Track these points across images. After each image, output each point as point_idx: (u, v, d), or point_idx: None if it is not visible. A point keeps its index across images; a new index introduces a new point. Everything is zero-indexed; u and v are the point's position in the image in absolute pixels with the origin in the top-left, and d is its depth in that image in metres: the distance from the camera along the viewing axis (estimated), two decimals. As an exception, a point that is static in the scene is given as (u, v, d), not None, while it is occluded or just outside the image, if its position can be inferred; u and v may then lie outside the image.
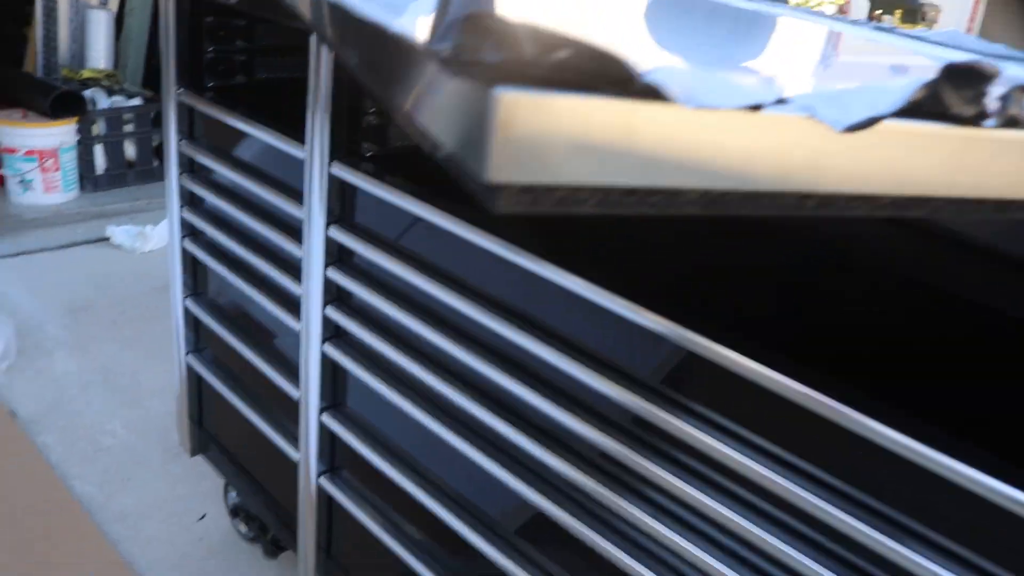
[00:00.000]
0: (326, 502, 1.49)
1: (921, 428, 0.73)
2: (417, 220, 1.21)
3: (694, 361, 0.88)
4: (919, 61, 1.11)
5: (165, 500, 2.22)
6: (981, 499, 0.69)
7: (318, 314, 1.38)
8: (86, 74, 4.62)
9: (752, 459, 0.85)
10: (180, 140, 1.64)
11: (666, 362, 0.96)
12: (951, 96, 0.42)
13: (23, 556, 1.96)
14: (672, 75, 0.34)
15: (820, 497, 0.80)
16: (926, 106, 0.42)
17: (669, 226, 0.72)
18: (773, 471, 0.83)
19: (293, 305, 1.45)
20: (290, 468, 1.52)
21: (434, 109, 0.36)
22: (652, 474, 0.93)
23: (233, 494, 2.05)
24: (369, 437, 1.37)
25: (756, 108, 0.37)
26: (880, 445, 0.75)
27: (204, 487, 2.22)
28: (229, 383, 1.70)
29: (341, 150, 1.29)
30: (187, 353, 1.84)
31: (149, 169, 4.52)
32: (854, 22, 1.52)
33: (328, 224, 1.33)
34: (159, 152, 4.59)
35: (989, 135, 0.46)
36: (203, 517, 2.16)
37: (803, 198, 0.42)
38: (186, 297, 1.78)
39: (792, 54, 1.07)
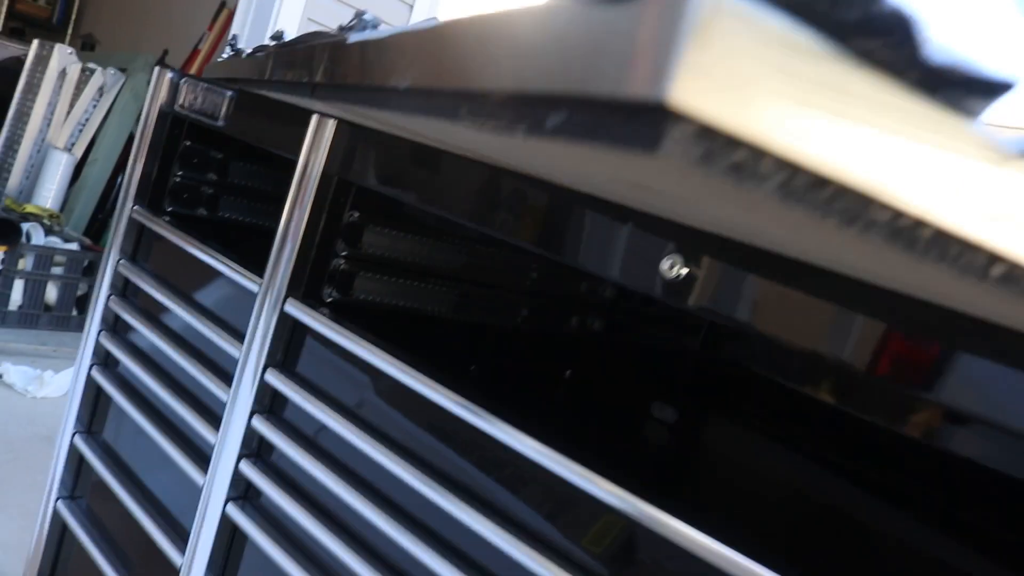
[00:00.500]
0: None
1: None
2: (369, 379, 1.11)
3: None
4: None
5: None
6: None
7: (229, 468, 1.22)
8: (28, 208, 4.52)
9: None
10: (120, 260, 1.53)
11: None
12: None
13: None
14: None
15: None
16: None
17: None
18: None
19: (202, 456, 1.29)
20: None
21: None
22: None
23: None
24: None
25: None
26: None
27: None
28: (99, 539, 1.48)
29: (300, 289, 1.20)
30: (58, 499, 1.62)
31: (66, 317, 4.33)
32: None
33: (266, 367, 1.20)
34: (81, 303, 4.41)
35: None
36: None
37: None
38: (77, 433, 1.59)
39: None
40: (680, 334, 1.84)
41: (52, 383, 3.58)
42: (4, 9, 8.46)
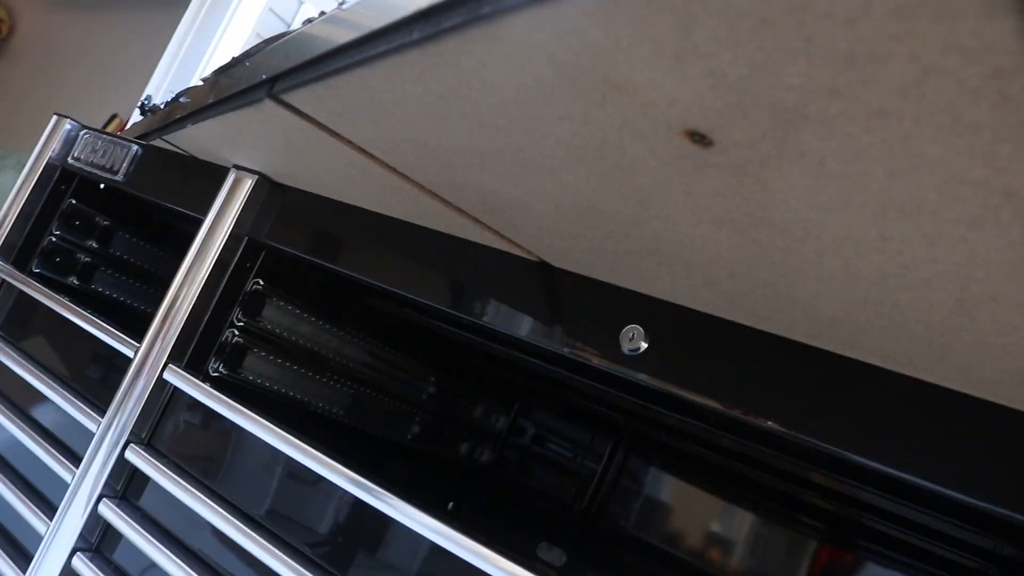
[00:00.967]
0: None
1: None
2: (249, 463, 0.98)
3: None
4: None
5: None
6: None
7: (64, 553, 1.04)
8: None
9: None
10: (-35, 320, 1.35)
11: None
12: None
13: None
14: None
15: None
16: None
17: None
18: None
19: (25, 554, 1.10)
20: None
21: None
22: None
23: None
24: None
25: None
26: None
27: None
28: None
29: (183, 359, 1.08)
30: None
31: None
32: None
33: (127, 443, 1.06)
34: None
35: None
36: None
37: None
38: None
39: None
40: (570, 482, 1.76)
41: None
42: None
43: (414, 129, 0.65)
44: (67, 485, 1.09)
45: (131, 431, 1.07)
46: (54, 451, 1.13)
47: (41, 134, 1.36)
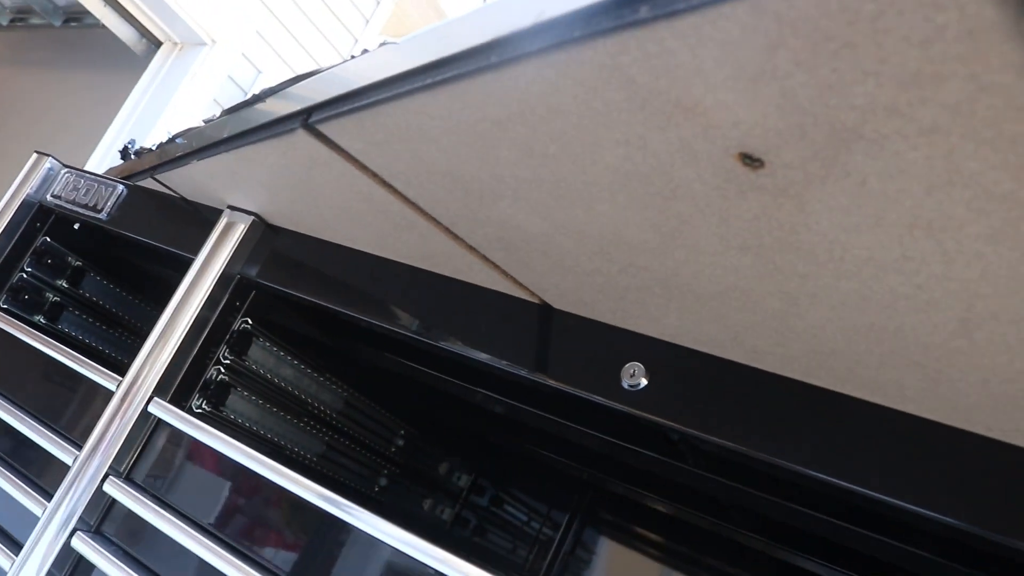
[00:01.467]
0: None
1: None
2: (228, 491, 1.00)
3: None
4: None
5: None
6: None
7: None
8: None
9: None
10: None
11: None
12: None
13: None
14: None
15: None
16: None
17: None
18: None
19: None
20: None
21: None
22: None
23: None
24: None
25: None
26: None
27: None
28: None
29: (167, 393, 1.09)
30: None
31: None
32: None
33: (106, 476, 1.06)
34: None
35: None
36: None
37: None
38: None
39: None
40: (524, 547, 1.77)
41: None
42: None
43: (455, 159, 0.70)
44: (36, 519, 1.07)
45: (110, 464, 1.06)
46: (22, 484, 1.11)
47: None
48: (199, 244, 1.15)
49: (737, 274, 0.66)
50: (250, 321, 1.15)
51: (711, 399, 0.81)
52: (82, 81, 4.48)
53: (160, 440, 1.08)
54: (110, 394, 1.11)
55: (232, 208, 1.15)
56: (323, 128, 0.78)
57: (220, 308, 1.13)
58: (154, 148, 1.28)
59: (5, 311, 1.36)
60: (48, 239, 1.39)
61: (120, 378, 1.11)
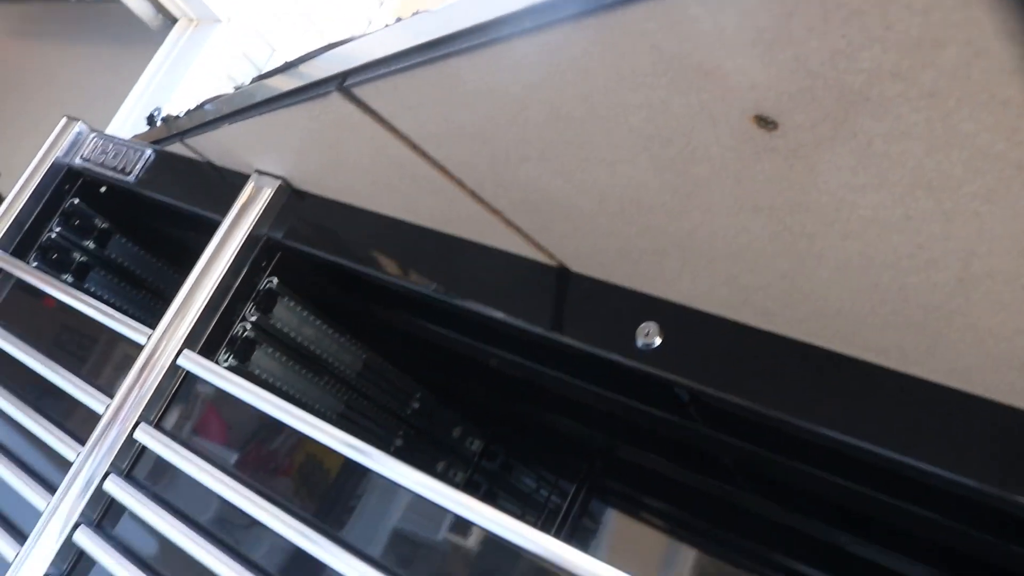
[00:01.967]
0: None
1: None
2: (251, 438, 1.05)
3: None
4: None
5: None
6: None
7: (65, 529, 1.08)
8: None
9: None
10: (-41, 309, 1.38)
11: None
12: None
13: None
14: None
15: None
16: None
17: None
18: None
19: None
20: None
21: None
22: None
23: None
24: None
25: None
26: None
27: None
28: None
29: (196, 346, 1.14)
30: None
31: None
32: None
33: (136, 424, 1.11)
34: None
35: None
36: None
37: None
38: None
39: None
40: (533, 513, 1.83)
41: None
42: None
43: (484, 122, 0.75)
44: (69, 464, 1.13)
45: (140, 413, 1.11)
46: (57, 431, 1.17)
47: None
48: (226, 207, 1.20)
49: (749, 235, 0.70)
50: (275, 281, 1.20)
51: (722, 359, 0.86)
52: (98, 55, 4.52)
53: (188, 391, 1.13)
54: (138, 348, 1.16)
55: (259, 172, 1.20)
56: (357, 91, 0.82)
57: (247, 268, 1.18)
58: (182, 115, 1.33)
59: (35, 268, 1.41)
60: (76, 200, 1.44)
61: (150, 331, 1.16)
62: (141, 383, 1.13)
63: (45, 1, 5.16)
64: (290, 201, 1.19)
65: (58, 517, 1.10)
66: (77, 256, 1.48)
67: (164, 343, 1.14)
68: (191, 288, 1.16)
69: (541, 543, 0.83)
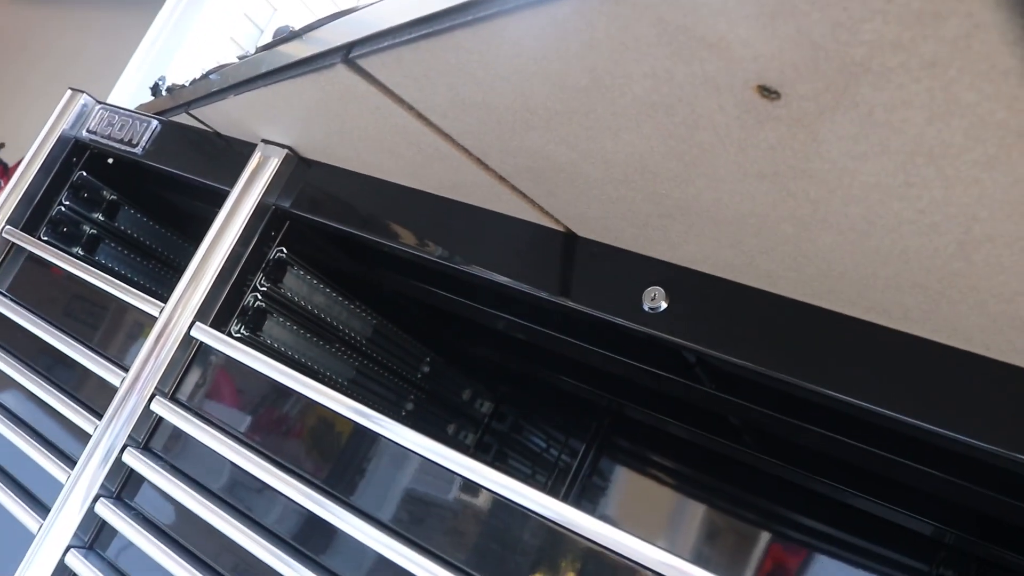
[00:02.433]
0: None
1: None
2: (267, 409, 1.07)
3: None
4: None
5: None
6: None
7: (87, 499, 1.10)
8: None
9: None
10: (-29, 283, 1.40)
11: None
12: None
13: None
14: None
15: None
16: None
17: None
18: None
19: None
20: None
21: None
22: None
23: None
24: None
25: None
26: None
27: None
28: None
29: (208, 318, 1.16)
30: None
31: None
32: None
33: (152, 396, 1.13)
34: None
35: None
36: None
37: None
38: None
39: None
40: (544, 472, 1.86)
41: None
42: None
43: (490, 92, 0.75)
44: (88, 437, 1.15)
45: (156, 385, 1.14)
46: (75, 405, 1.19)
47: None
48: (234, 177, 1.21)
49: (754, 201, 0.71)
50: (285, 250, 1.22)
51: (728, 321, 0.88)
52: (99, 19, 4.50)
53: (202, 362, 1.15)
54: (152, 320, 1.18)
55: (266, 142, 1.21)
56: (363, 63, 0.83)
57: (256, 238, 1.19)
58: (187, 84, 1.33)
59: (46, 242, 1.43)
60: (84, 173, 1.45)
61: (163, 304, 1.18)
62: (156, 355, 1.15)
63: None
64: (297, 170, 1.20)
65: (79, 489, 1.13)
66: (87, 229, 1.49)
67: (177, 315, 1.16)
68: (202, 259, 1.17)
69: (546, 504, 0.85)
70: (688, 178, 0.73)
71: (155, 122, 1.36)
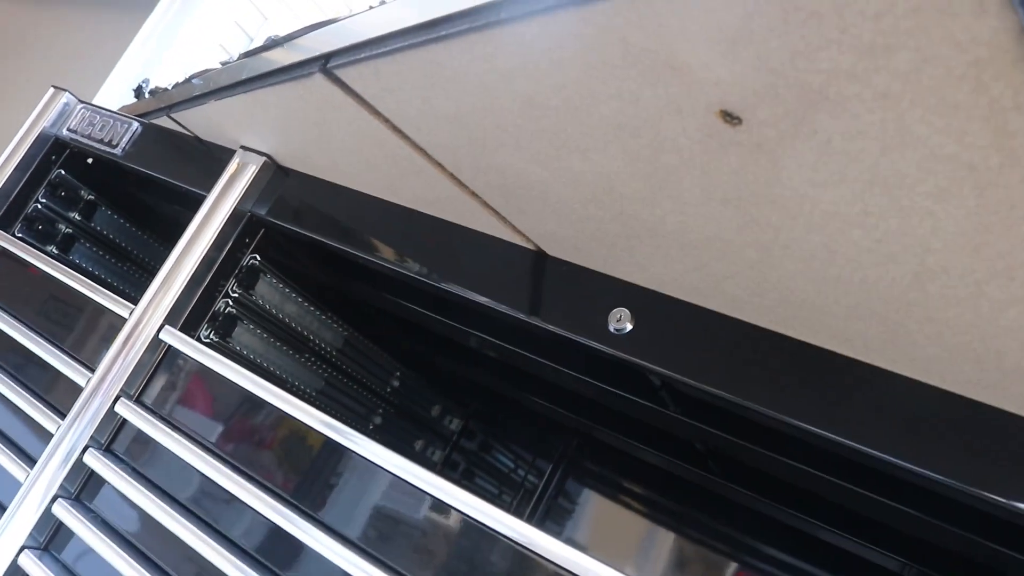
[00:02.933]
0: None
1: None
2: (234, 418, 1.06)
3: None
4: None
5: None
6: None
7: (44, 500, 1.09)
8: None
9: None
10: (-58, 277, 1.39)
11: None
12: None
13: None
14: None
15: None
16: None
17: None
18: None
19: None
20: None
21: None
22: None
23: None
24: None
25: None
26: None
27: None
28: None
29: (178, 322, 1.15)
30: None
31: None
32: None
33: (117, 398, 1.12)
34: None
35: None
36: None
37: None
38: None
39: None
40: (511, 492, 1.86)
41: None
42: None
43: (462, 107, 0.76)
44: (50, 436, 1.14)
45: (122, 387, 1.13)
46: (38, 404, 1.18)
47: None
48: (211, 182, 1.21)
49: (718, 225, 0.72)
50: (258, 258, 1.22)
51: (692, 345, 0.88)
52: (88, 21, 4.50)
53: (169, 366, 1.14)
54: (122, 321, 1.17)
55: (245, 148, 1.21)
56: (340, 73, 0.84)
57: (230, 244, 1.19)
58: (170, 88, 1.33)
59: (20, 239, 1.42)
60: (63, 172, 1.45)
61: (133, 306, 1.18)
62: (123, 356, 1.15)
63: (35, -33, 5.12)
64: (275, 178, 1.21)
65: (37, 489, 1.12)
66: (63, 227, 1.49)
67: (147, 317, 1.16)
68: (174, 263, 1.17)
69: (510, 524, 0.85)
70: (654, 200, 0.74)
71: (136, 124, 1.36)
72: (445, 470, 1.71)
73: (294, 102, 0.97)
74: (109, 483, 1.09)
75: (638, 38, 0.54)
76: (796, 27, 0.46)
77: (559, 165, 0.76)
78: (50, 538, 1.11)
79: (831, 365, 0.83)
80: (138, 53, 3.50)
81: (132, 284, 1.59)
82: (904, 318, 0.71)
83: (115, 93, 3.40)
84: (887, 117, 0.49)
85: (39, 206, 1.44)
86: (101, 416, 1.12)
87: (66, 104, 1.45)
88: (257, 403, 1.06)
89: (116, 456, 1.12)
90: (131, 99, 1.51)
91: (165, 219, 1.60)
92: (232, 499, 1.00)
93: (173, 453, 1.06)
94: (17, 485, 1.13)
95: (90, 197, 1.51)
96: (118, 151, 1.35)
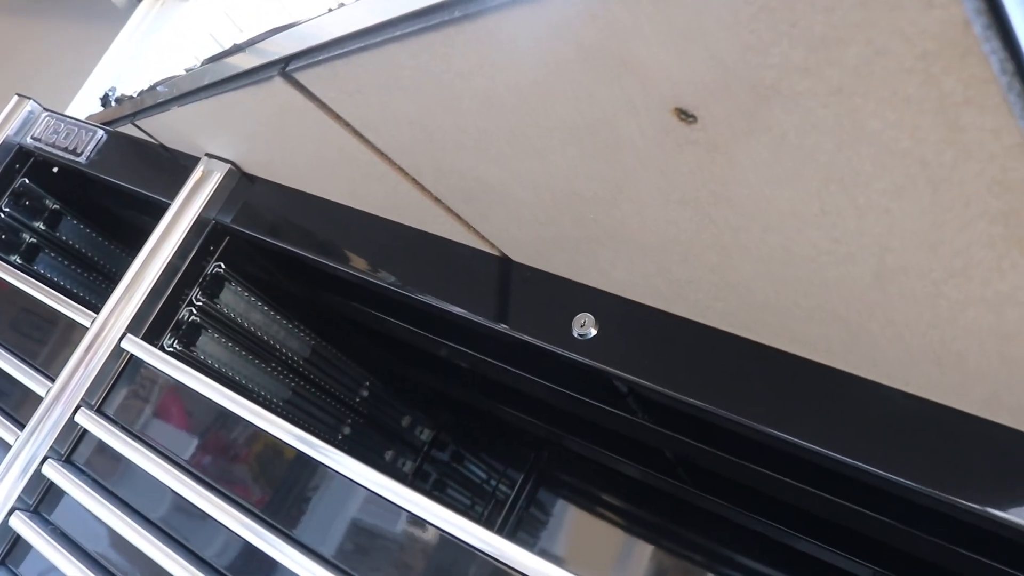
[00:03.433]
0: None
1: None
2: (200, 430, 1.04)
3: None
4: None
5: None
6: None
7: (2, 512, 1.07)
8: None
9: None
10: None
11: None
12: None
13: None
14: None
15: None
16: None
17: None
18: None
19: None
20: None
21: None
22: None
23: None
24: None
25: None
26: None
27: None
28: None
29: (141, 330, 1.13)
30: None
31: None
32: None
33: (78, 408, 1.10)
34: None
35: None
36: None
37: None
38: None
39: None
40: (482, 503, 1.84)
41: None
42: None
43: (422, 109, 0.75)
44: (8, 447, 1.12)
45: (82, 397, 1.10)
46: (-3, 412, 1.16)
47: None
48: (176, 190, 1.19)
49: (678, 227, 0.71)
50: (223, 266, 1.20)
51: (656, 351, 0.87)
52: (62, 31, 4.46)
53: (132, 376, 1.12)
54: (83, 331, 1.15)
55: (209, 156, 1.19)
56: (299, 76, 0.82)
57: (194, 252, 1.17)
58: (135, 95, 1.31)
59: (-18, 249, 1.40)
60: (27, 180, 1.43)
61: (94, 315, 1.15)
62: (84, 366, 1.12)
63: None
64: (239, 185, 1.19)
65: (-4, 499, 1.09)
66: (27, 237, 1.46)
67: (109, 326, 1.13)
68: (137, 271, 1.15)
69: (481, 537, 0.83)
70: (614, 202, 0.73)
71: (101, 132, 1.34)
72: (416, 481, 1.69)
73: (256, 107, 0.96)
74: (68, 494, 1.06)
75: (590, 35, 0.53)
76: (746, 21, 0.45)
77: (519, 167, 0.75)
78: (7, 551, 1.08)
79: (795, 369, 0.83)
80: (112, 63, 3.47)
81: (97, 294, 1.56)
82: (865, 320, 0.70)
83: (88, 103, 3.37)
84: (841, 112, 0.48)
85: (2, 215, 1.41)
86: (61, 426, 1.10)
87: (31, 112, 1.42)
88: (221, 413, 1.03)
89: (76, 467, 1.09)
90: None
91: (131, 228, 1.57)
92: (196, 511, 0.97)
93: (135, 464, 1.03)
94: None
95: (55, 206, 1.48)
96: (82, 159, 1.32)
